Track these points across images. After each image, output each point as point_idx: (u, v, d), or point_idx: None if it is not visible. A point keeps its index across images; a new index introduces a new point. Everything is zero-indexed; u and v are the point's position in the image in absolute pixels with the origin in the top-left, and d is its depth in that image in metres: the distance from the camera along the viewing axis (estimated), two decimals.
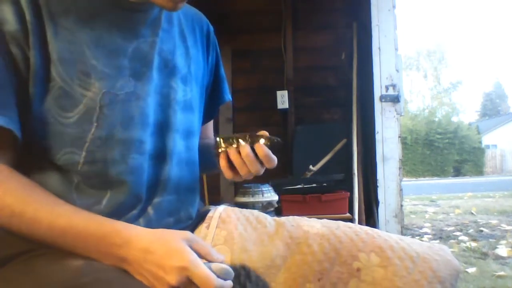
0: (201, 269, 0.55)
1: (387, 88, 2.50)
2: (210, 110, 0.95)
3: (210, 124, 1.00)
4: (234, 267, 0.63)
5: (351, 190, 2.61)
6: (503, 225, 4.15)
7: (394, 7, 2.54)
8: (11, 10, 0.62)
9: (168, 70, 0.76)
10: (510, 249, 2.98)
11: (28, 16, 0.63)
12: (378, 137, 2.50)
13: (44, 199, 0.63)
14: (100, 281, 0.58)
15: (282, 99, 3.09)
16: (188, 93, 0.80)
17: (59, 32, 0.65)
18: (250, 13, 3.14)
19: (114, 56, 0.69)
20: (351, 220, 2.40)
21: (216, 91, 0.94)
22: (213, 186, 2.64)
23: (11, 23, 0.62)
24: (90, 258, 0.61)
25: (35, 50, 0.63)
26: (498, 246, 3.13)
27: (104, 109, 0.67)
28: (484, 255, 2.88)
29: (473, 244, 3.24)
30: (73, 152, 0.66)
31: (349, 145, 2.79)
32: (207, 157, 0.87)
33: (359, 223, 2.59)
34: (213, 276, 0.55)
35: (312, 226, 0.72)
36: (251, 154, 0.71)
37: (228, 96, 0.97)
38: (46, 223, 0.60)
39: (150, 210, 0.72)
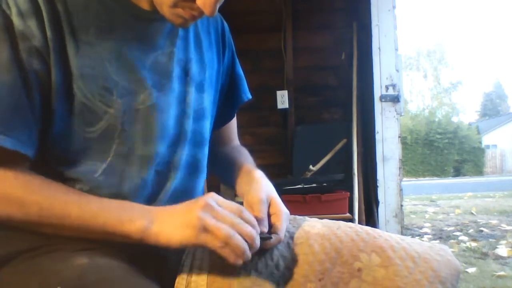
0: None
1: (387, 88, 2.50)
2: (228, 111, 0.93)
3: (231, 126, 0.98)
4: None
5: (351, 190, 2.61)
6: (503, 225, 4.15)
7: (394, 7, 2.54)
8: (36, 24, 0.62)
9: (187, 79, 0.76)
10: (510, 249, 2.98)
11: (48, 32, 0.62)
12: (378, 137, 2.50)
13: (70, 191, 0.64)
14: (104, 279, 0.58)
15: (282, 99, 3.09)
16: (203, 101, 0.80)
17: (80, 47, 0.65)
18: (250, 13, 3.14)
19: (134, 70, 0.69)
20: (351, 220, 2.40)
21: (233, 91, 0.92)
22: (213, 186, 2.64)
23: (37, 38, 0.62)
24: (95, 256, 0.62)
25: (55, 67, 0.63)
26: (498, 246, 3.13)
27: (125, 125, 0.68)
28: (484, 255, 2.88)
29: (473, 244, 3.24)
30: (94, 164, 0.67)
31: (349, 145, 2.79)
32: (228, 176, 0.88)
33: (359, 223, 2.59)
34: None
35: (313, 226, 0.72)
36: None
37: (247, 95, 0.94)
38: (76, 209, 0.62)
39: None
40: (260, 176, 0.80)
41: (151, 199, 0.72)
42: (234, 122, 0.98)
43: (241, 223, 0.60)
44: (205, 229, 0.58)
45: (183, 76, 0.76)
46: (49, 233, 0.63)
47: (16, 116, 0.61)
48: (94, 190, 0.67)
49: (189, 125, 0.76)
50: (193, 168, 0.78)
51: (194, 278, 0.66)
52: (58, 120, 0.65)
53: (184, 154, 0.75)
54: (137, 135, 0.69)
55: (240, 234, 0.59)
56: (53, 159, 0.68)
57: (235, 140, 1.00)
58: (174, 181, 0.75)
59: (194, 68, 0.78)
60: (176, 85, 0.74)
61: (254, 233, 0.60)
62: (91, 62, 0.65)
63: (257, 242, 0.60)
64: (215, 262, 0.67)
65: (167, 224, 0.61)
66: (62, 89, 0.64)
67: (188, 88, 0.76)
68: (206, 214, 0.59)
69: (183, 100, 0.75)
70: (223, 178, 0.94)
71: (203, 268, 0.66)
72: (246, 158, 0.90)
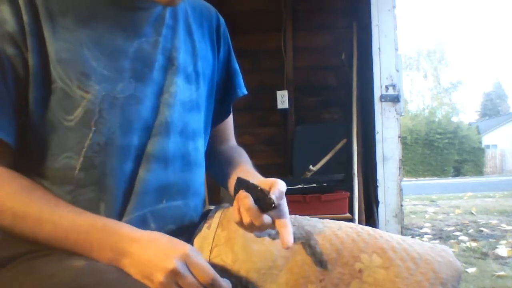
0: (189, 276, 0.57)
1: (387, 88, 2.50)
2: (224, 106, 0.91)
3: (228, 124, 0.95)
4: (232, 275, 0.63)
5: (351, 190, 2.60)
6: (503, 225, 4.14)
7: (394, 7, 2.53)
8: (9, 10, 0.61)
9: (172, 68, 0.74)
10: (510, 249, 2.97)
11: (25, 17, 0.61)
12: (378, 137, 2.50)
13: (46, 201, 0.63)
14: (101, 282, 0.58)
15: (282, 99, 3.09)
16: (193, 92, 0.77)
17: (57, 31, 0.64)
18: (250, 13, 3.14)
19: (114, 58, 0.67)
20: (351, 220, 2.39)
21: (229, 86, 0.91)
22: (213, 186, 2.64)
23: (10, 24, 0.61)
24: (91, 258, 0.61)
25: (33, 52, 0.62)
26: (498, 246, 3.13)
27: (103, 113, 0.65)
28: (484, 255, 2.88)
29: (473, 244, 3.24)
30: (71, 157, 0.65)
31: (349, 145, 2.79)
32: (223, 175, 0.86)
33: (359, 223, 2.59)
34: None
35: (314, 226, 0.72)
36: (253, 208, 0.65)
37: (243, 90, 0.92)
38: (49, 224, 0.61)
39: (149, 218, 0.70)
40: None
41: (131, 191, 0.69)
42: (230, 121, 0.96)
43: None
44: None
45: (168, 65, 0.74)
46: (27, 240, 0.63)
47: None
48: (77, 190, 0.65)
49: (172, 116, 0.73)
50: (184, 161, 0.75)
51: None
52: (38, 107, 0.64)
53: (168, 146, 0.72)
54: (115, 124, 0.66)
55: None
56: (33, 153, 0.66)
57: (232, 140, 0.98)
58: (158, 174, 0.71)
59: (182, 58, 0.76)
60: (158, 75, 0.72)
61: None
62: (69, 47, 0.64)
63: None
64: (215, 262, 0.67)
65: (135, 265, 0.59)
66: (40, 75, 0.63)
67: (172, 79, 0.74)
68: (169, 282, 0.56)
69: (165, 90, 0.73)
70: (219, 178, 0.92)
71: None
72: (244, 158, 0.89)
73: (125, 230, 0.62)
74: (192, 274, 0.57)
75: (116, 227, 0.62)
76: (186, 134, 0.76)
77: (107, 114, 0.66)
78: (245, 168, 0.84)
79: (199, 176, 0.80)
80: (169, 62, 0.74)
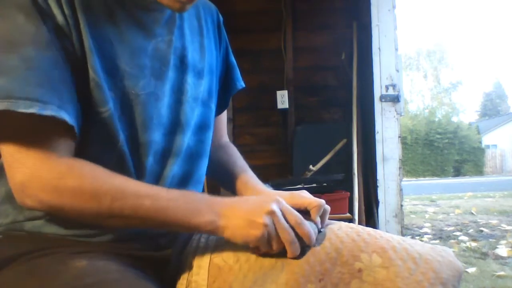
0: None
1: (387, 88, 2.50)
2: (223, 99, 0.94)
3: (222, 119, 0.99)
4: (233, 275, 0.65)
5: (351, 190, 2.61)
6: (503, 225, 4.15)
7: (394, 7, 2.54)
8: (55, 3, 0.61)
9: (183, 67, 0.76)
10: (510, 249, 2.98)
11: (66, 9, 0.62)
12: (378, 137, 2.50)
13: (136, 182, 0.64)
14: (103, 282, 0.58)
15: (282, 99, 3.09)
16: (202, 87, 0.80)
17: (90, 27, 0.64)
18: (250, 13, 3.14)
19: (136, 55, 0.69)
20: (351, 220, 2.39)
21: (228, 79, 0.94)
22: (213, 185, 2.64)
23: (58, 17, 0.61)
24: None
25: (76, 43, 0.63)
26: (498, 246, 3.13)
27: (127, 110, 0.67)
28: (484, 255, 2.88)
29: (473, 244, 3.24)
30: (105, 151, 0.66)
31: (349, 145, 2.79)
32: (226, 183, 0.90)
33: (359, 223, 2.59)
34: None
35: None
36: None
37: (241, 83, 0.96)
38: (148, 199, 0.62)
39: None
40: (263, 188, 0.84)
41: (160, 183, 0.72)
42: (224, 116, 1.00)
43: (295, 242, 0.64)
44: (268, 236, 0.63)
45: (179, 64, 0.76)
46: (117, 225, 0.64)
47: (66, 93, 0.61)
48: None
49: (187, 112, 0.76)
50: (192, 153, 0.79)
51: (194, 278, 0.66)
52: (79, 97, 0.64)
53: (184, 141, 0.76)
54: (138, 120, 0.69)
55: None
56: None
57: (225, 135, 1.01)
58: (173, 168, 0.74)
59: (192, 55, 0.78)
60: (172, 73, 0.74)
61: (299, 250, 0.65)
62: (98, 43, 0.65)
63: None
64: (215, 262, 0.67)
65: (234, 221, 0.63)
66: (81, 66, 0.64)
67: (183, 76, 0.76)
68: (270, 222, 0.63)
69: (178, 89, 0.75)
70: (220, 182, 0.96)
71: (203, 267, 0.66)
72: (240, 164, 0.91)
73: (215, 197, 0.67)
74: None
75: (206, 195, 0.68)
76: (197, 129, 0.79)
77: (130, 111, 0.68)
78: (245, 179, 0.87)
79: (203, 166, 0.83)
80: (180, 61, 0.76)
